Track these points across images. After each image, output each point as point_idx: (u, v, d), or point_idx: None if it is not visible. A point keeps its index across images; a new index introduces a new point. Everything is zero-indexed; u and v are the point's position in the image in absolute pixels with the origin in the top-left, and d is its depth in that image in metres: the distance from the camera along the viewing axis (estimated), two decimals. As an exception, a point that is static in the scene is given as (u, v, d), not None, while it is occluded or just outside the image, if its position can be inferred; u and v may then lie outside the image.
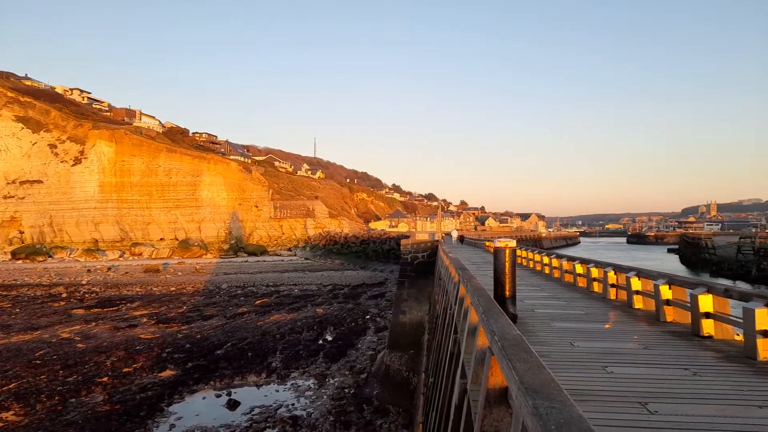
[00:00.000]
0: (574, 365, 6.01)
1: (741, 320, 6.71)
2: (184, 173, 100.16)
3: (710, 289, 7.78)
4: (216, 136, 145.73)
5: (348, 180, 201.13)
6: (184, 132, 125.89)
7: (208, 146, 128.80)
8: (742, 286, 39.79)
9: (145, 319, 34.22)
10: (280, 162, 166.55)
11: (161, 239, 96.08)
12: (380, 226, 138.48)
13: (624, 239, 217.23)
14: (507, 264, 8.91)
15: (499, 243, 9.10)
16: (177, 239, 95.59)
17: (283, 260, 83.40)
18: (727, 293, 7.50)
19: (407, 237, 29.04)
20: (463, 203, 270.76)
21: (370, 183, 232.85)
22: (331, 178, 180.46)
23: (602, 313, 10.01)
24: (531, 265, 21.99)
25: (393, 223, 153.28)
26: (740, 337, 7.04)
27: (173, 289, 49.48)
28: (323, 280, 55.98)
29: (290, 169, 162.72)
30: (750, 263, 56.61)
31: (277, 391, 20.77)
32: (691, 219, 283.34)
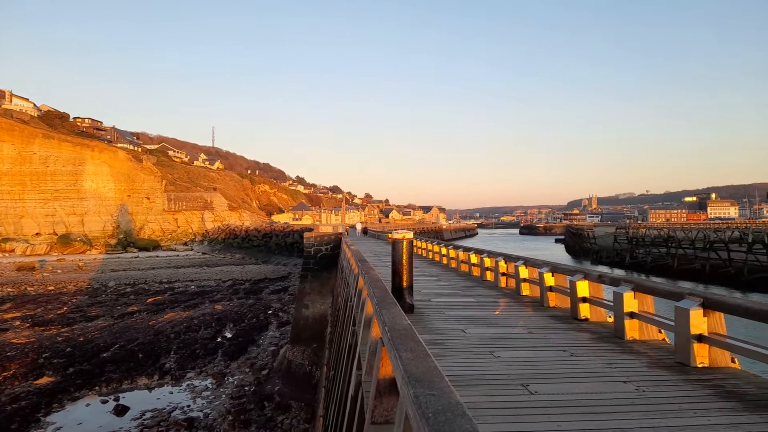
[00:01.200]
0: (465, 351, 6.27)
1: (611, 303, 7.38)
2: (64, 161, 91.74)
3: (586, 276, 8.48)
4: (101, 122, 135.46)
5: (249, 171, 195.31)
6: (63, 117, 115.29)
7: (92, 133, 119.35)
8: (618, 272, 44.04)
9: (18, 322, 30.94)
10: (174, 151, 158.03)
11: (37, 234, 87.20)
12: (284, 219, 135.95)
13: (517, 230, 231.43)
14: (404, 255, 9.08)
15: (397, 234, 9.24)
16: (56, 234, 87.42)
17: (178, 255, 79.30)
18: (601, 279, 8.22)
19: (311, 230, 28.75)
20: (368, 196, 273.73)
21: (273, 174, 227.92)
22: (231, 169, 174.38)
23: (493, 301, 10.56)
24: (431, 256, 22.67)
25: (297, 216, 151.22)
26: (611, 319, 7.73)
27: (52, 288, 45.16)
28: (222, 275, 53.92)
29: (186, 159, 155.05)
30: (624, 251, 62.43)
31: (171, 393, 19.74)
32: (575, 211, 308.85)
